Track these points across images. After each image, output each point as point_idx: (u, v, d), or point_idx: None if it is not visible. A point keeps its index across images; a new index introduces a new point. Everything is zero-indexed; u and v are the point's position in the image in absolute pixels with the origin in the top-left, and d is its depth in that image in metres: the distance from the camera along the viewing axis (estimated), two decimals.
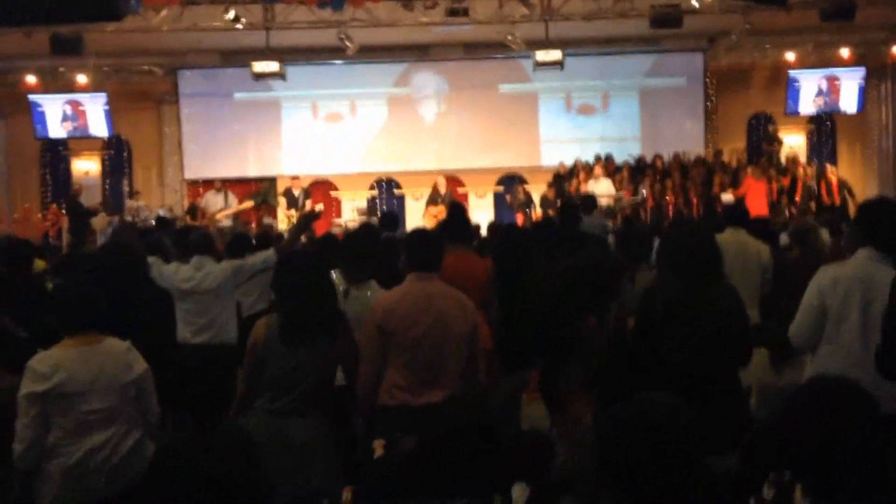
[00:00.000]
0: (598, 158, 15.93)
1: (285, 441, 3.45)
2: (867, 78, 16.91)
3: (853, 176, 17.33)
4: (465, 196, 16.85)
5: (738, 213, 6.10)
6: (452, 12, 13.56)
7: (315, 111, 17.49)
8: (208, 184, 16.18)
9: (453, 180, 16.91)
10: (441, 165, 16.88)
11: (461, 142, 17.43)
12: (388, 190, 17.62)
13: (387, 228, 7.85)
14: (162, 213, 14.38)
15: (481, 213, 16.14)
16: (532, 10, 13.73)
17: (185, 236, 6.75)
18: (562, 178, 15.56)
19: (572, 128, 17.77)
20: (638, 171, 15.82)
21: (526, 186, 15.78)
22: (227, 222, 14.25)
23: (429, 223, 13.41)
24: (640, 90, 17.99)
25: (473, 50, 17.10)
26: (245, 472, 2.70)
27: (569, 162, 16.06)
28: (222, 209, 14.54)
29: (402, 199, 17.41)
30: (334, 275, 4.62)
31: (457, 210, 6.12)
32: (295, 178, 15.25)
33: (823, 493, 1.83)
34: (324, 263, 3.90)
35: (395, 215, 9.12)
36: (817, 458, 1.83)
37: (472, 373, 3.78)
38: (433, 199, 14.61)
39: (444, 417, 3.40)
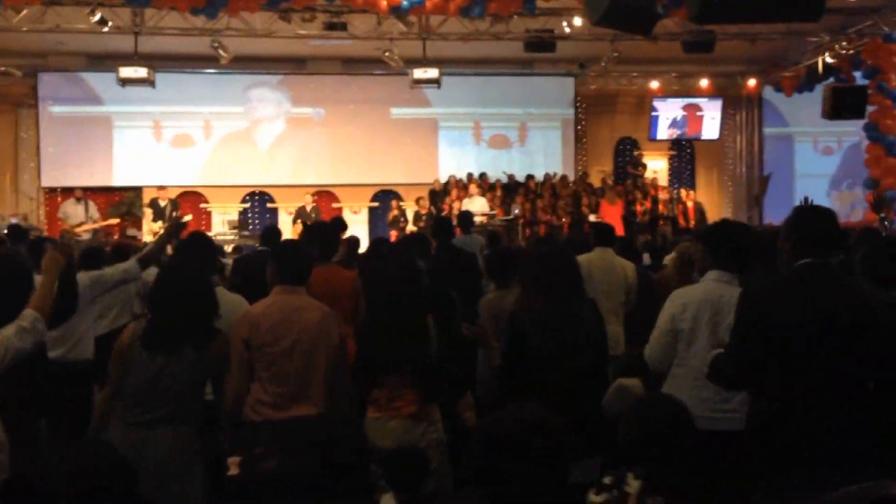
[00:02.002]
0: (471, 176, 16.20)
1: (142, 454, 3.30)
2: (724, 107, 17.98)
3: (710, 200, 18.34)
4: (340, 211, 16.73)
5: (604, 234, 6.31)
6: (330, 26, 13.48)
7: (158, 128, 16.88)
8: (67, 192, 15.38)
9: (328, 195, 16.79)
10: (316, 180, 16.73)
11: (337, 158, 17.27)
12: (261, 203, 17.28)
13: (267, 244, 7.65)
14: (15, 221, 13.55)
15: (356, 228, 16.08)
16: (410, 27, 13.83)
17: (40, 247, 6.36)
18: (436, 195, 15.71)
19: (483, 162, 17.36)
20: (511, 189, 16.15)
21: (401, 202, 15.85)
22: (86, 235, 13.56)
23: None
24: (563, 120, 18.11)
25: (352, 65, 17.05)
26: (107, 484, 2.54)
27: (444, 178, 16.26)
28: (83, 222, 13.84)
29: (275, 212, 17.12)
30: None
31: (321, 224, 6.13)
32: (162, 188, 14.71)
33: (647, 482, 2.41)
34: (209, 283, 3.81)
35: (276, 230, 8.85)
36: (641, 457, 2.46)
37: (340, 386, 3.76)
38: (301, 216, 14.44)
39: (311, 431, 3.36)
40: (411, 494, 3.22)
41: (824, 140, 19.27)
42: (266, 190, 17.25)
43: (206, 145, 16.97)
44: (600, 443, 3.25)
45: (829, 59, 15.08)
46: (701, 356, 3.40)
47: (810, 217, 3.06)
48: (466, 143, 17.94)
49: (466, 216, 8.53)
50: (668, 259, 7.22)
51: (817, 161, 19.34)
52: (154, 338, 3.45)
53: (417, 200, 15.42)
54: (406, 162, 17.35)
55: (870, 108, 14.27)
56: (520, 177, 16.78)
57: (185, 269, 3.85)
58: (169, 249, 7.03)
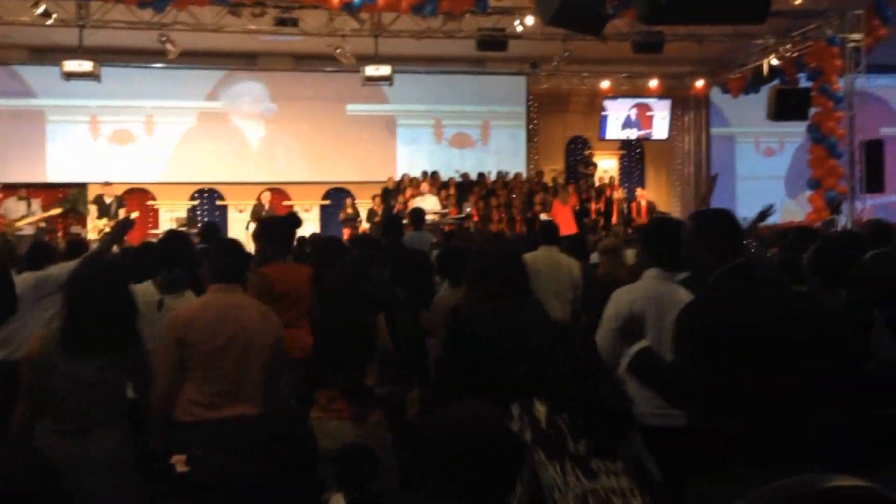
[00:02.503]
0: (424, 174, 16.20)
1: (82, 462, 3.21)
2: (673, 108, 18.24)
3: (659, 199, 18.61)
4: (291, 209, 16.58)
5: (550, 233, 6.37)
6: (281, 22, 13.35)
7: (95, 123, 16.53)
8: (10, 189, 14.97)
9: (279, 193, 16.63)
10: (267, 178, 16.56)
11: (289, 155, 17.11)
12: (210, 201, 17.04)
13: (207, 241, 7.58)
14: None
15: (308, 226, 15.95)
16: (362, 24, 13.76)
17: None
18: (389, 193, 15.67)
19: (445, 161, 17.17)
20: (464, 188, 16.18)
21: (355, 201, 15.78)
22: (28, 230, 13.20)
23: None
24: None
25: (303, 62, 16.91)
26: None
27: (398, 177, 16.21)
28: (24, 215, 13.47)
29: (224, 210, 16.91)
30: (150, 285, 4.42)
31: (276, 221, 6.10)
32: (107, 184, 14.38)
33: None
34: (124, 275, 3.70)
35: (216, 226, 8.80)
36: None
37: (276, 386, 3.69)
38: (257, 214, 14.28)
39: (256, 429, 3.31)
40: (361, 492, 3.20)
41: (766, 141, 19.65)
42: (215, 187, 17.01)
43: (148, 141, 16.61)
44: None
45: (773, 62, 15.39)
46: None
47: (724, 222, 3.10)
48: (426, 141, 17.81)
49: (418, 213, 8.55)
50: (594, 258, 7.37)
51: (759, 162, 19.71)
52: (72, 344, 3.32)
53: (374, 198, 15.36)
54: (361, 159, 17.23)
55: (813, 110, 14.59)
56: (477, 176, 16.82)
57: (98, 266, 3.75)
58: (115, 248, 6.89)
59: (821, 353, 2.87)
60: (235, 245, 3.97)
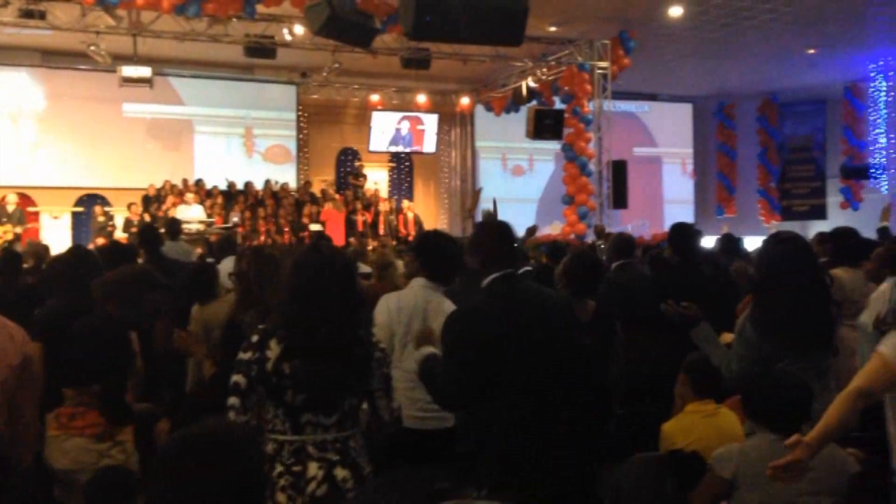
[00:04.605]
0: (185, 182, 15.55)
1: None
2: (440, 123, 18.83)
3: (427, 211, 19.13)
4: (38, 215, 15.28)
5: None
6: (27, 14, 12.26)
7: None
8: None
9: (24, 198, 15.26)
10: (7, 181, 15.13)
11: (38, 156, 15.77)
12: None
13: None
14: None
15: (58, 233, 14.78)
16: (119, 22, 12.96)
17: None
18: (150, 201, 14.87)
19: (259, 176, 16.44)
20: (231, 197, 15.70)
21: (107, 208, 14.82)
22: None
23: None
24: None
25: (53, 58, 15.65)
26: None
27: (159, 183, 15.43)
28: None
29: None
30: None
31: None
32: None
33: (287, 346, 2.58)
34: None
35: None
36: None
37: (21, 409, 3.31)
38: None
39: None
40: None
41: (514, 159, 20.31)
42: None
43: None
44: None
45: (531, 83, 16.34)
46: (412, 358, 3.52)
47: (494, 233, 3.20)
48: (235, 152, 17.09)
49: (174, 223, 8.23)
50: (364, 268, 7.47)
51: (507, 181, 20.04)
52: None
53: (129, 206, 14.48)
54: (136, 165, 16.16)
55: (567, 130, 15.62)
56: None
57: None
58: None
59: (568, 362, 3.06)
60: None
